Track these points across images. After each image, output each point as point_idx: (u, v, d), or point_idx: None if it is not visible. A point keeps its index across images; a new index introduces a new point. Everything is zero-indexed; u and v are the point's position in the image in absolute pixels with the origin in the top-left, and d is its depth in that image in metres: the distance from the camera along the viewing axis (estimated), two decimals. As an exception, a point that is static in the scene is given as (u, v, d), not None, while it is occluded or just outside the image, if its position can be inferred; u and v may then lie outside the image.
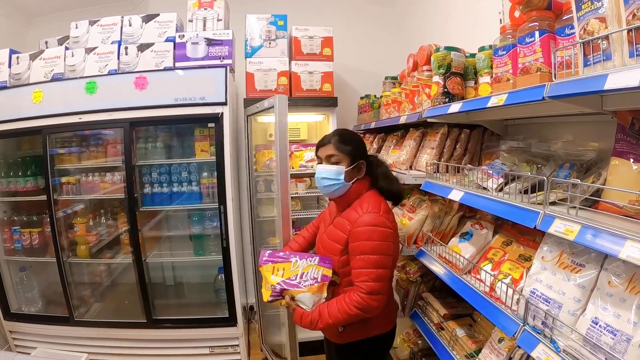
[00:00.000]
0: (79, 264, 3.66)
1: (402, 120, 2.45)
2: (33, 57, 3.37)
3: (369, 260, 1.71)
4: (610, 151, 1.32)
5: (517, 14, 1.61)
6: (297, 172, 3.54)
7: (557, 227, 1.18)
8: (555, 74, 1.28)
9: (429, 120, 2.13)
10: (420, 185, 2.15)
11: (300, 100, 3.41)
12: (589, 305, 1.21)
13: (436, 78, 2.01)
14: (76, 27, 3.43)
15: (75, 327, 3.45)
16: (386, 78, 3.23)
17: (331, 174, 1.86)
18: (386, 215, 1.81)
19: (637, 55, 1.01)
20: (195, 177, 3.46)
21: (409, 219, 2.31)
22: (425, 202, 2.31)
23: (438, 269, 1.96)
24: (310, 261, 1.87)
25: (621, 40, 1.06)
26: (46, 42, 3.86)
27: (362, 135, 3.79)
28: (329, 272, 1.84)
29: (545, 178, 1.29)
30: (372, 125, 3.26)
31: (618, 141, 1.31)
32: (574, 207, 1.21)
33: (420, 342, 2.53)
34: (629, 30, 1.02)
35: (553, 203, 1.34)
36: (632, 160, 1.25)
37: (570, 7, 1.25)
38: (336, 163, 1.87)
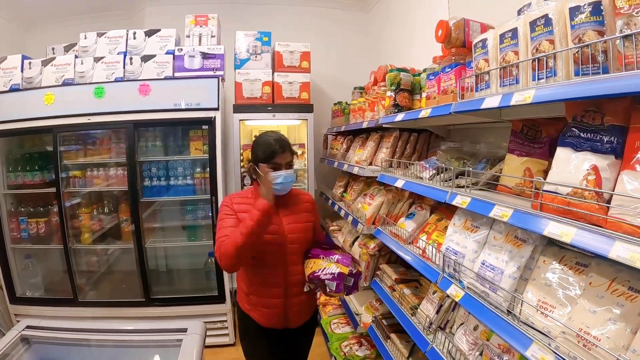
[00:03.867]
0: (83, 250, 4.06)
1: (364, 125, 3.00)
2: (45, 63, 3.76)
3: None
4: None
5: (447, 48, 2.16)
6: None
7: (457, 200, 1.73)
8: (462, 95, 1.83)
9: (384, 125, 2.68)
10: (376, 177, 2.70)
11: (282, 107, 3.94)
12: (481, 253, 1.76)
13: (389, 93, 2.55)
14: (85, 38, 3.85)
15: (80, 308, 3.84)
16: (355, 88, 3.77)
17: (292, 176, 2.15)
18: None
19: (503, 86, 1.56)
20: (190, 172, 3.94)
21: (368, 204, 2.86)
22: (382, 191, 2.86)
23: (389, 242, 2.51)
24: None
25: (496, 76, 1.61)
26: (53, 49, 4.25)
27: (334, 137, 4.33)
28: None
29: (452, 168, 1.85)
30: (342, 129, 3.81)
31: (511, 142, 1.84)
32: (468, 187, 1.77)
33: (380, 307, 3.06)
34: (500, 68, 1.57)
35: (468, 186, 1.88)
36: (518, 155, 1.79)
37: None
38: (291, 167, 2.18)
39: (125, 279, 4.18)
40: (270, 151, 2.09)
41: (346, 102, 4.18)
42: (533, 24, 1.37)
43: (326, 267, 2.05)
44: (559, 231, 1.20)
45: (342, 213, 3.51)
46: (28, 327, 2.53)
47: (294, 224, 2.19)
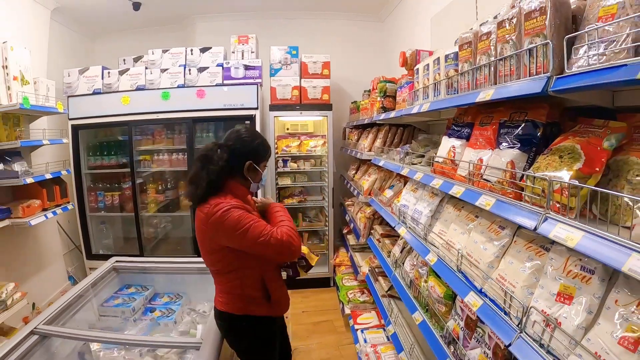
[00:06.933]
0: (147, 217, 5.18)
1: (366, 121, 3.95)
2: (121, 73, 4.84)
3: None
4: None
5: (411, 66, 3.07)
6: (305, 154, 5.06)
7: (404, 171, 2.65)
8: (411, 103, 2.74)
9: (378, 122, 3.61)
10: (371, 159, 3.64)
11: (307, 106, 4.93)
12: (416, 204, 2.67)
13: (379, 98, 3.48)
14: (152, 54, 4.93)
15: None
16: (364, 91, 4.68)
17: None
18: None
19: (424, 98, 2.47)
20: (234, 157, 4.99)
21: (366, 180, 3.80)
22: (376, 170, 3.79)
23: (377, 206, 3.44)
24: None
25: (422, 93, 2.52)
26: (124, 60, 5.31)
27: (350, 130, 5.27)
28: None
29: (406, 151, 2.76)
30: (354, 123, 4.77)
31: (445, 133, 2.73)
32: (413, 164, 2.69)
33: (375, 261, 3.99)
34: (422, 89, 2.48)
35: (415, 163, 2.80)
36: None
37: (416, 72, 2.71)
38: None
39: (180, 243, 5.32)
40: (269, 150, 2.29)
41: (360, 101, 5.09)
42: (434, 62, 2.29)
43: None
44: (436, 182, 2.12)
45: (352, 189, 4.46)
46: (117, 261, 3.58)
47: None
